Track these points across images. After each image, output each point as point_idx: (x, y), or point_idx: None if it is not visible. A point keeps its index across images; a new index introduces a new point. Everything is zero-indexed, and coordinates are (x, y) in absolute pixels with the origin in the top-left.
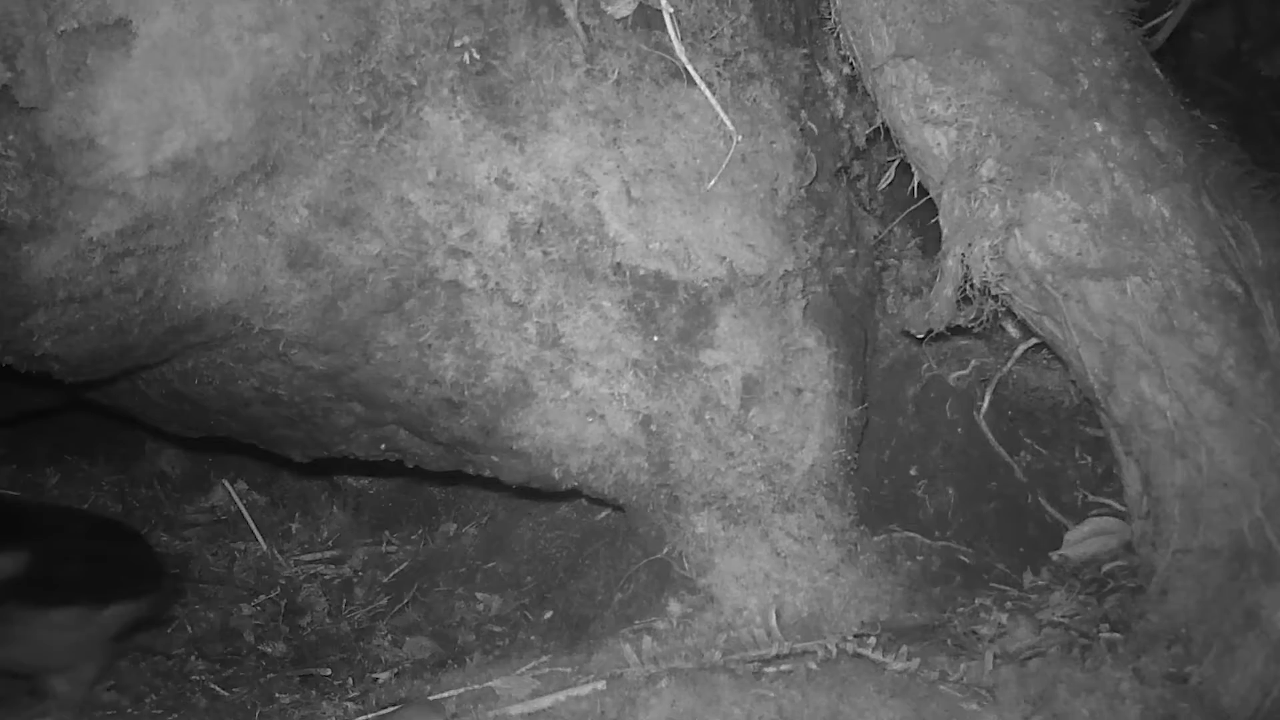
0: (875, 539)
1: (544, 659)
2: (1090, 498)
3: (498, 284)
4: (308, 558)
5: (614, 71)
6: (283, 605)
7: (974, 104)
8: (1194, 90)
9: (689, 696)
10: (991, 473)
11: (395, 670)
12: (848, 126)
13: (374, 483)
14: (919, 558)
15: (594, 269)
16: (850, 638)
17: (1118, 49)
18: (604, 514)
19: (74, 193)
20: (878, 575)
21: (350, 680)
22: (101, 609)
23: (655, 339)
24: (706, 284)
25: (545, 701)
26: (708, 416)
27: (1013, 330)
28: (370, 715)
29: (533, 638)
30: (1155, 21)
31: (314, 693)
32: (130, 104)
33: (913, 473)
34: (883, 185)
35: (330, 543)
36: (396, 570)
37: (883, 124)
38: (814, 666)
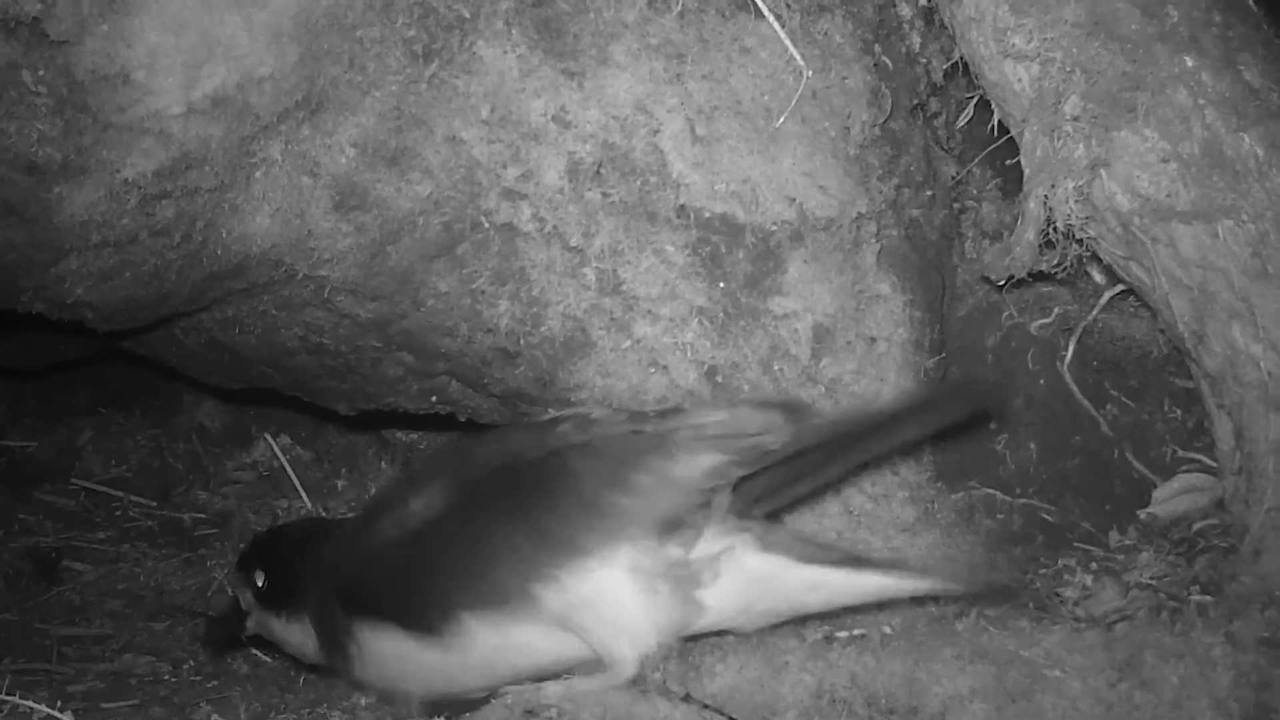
0: (953, 496)
1: None
2: (1180, 453)
3: (555, 227)
4: None
5: (678, 3)
6: None
7: (1057, 37)
8: None
9: (757, 663)
10: (1076, 426)
11: None
12: (924, 61)
13: (424, 437)
14: (999, 516)
15: (656, 211)
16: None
17: None
18: None
19: (108, 131)
20: (955, 534)
21: None
22: None
23: (721, 285)
24: (775, 227)
25: None
26: (776, 367)
27: (1098, 276)
28: None
29: None
30: None
31: None
32: (167, 37)
33: (992, 426)
34: (961, 123)
35: None
36: None
37: (961, 58)
38: (888, 631)
